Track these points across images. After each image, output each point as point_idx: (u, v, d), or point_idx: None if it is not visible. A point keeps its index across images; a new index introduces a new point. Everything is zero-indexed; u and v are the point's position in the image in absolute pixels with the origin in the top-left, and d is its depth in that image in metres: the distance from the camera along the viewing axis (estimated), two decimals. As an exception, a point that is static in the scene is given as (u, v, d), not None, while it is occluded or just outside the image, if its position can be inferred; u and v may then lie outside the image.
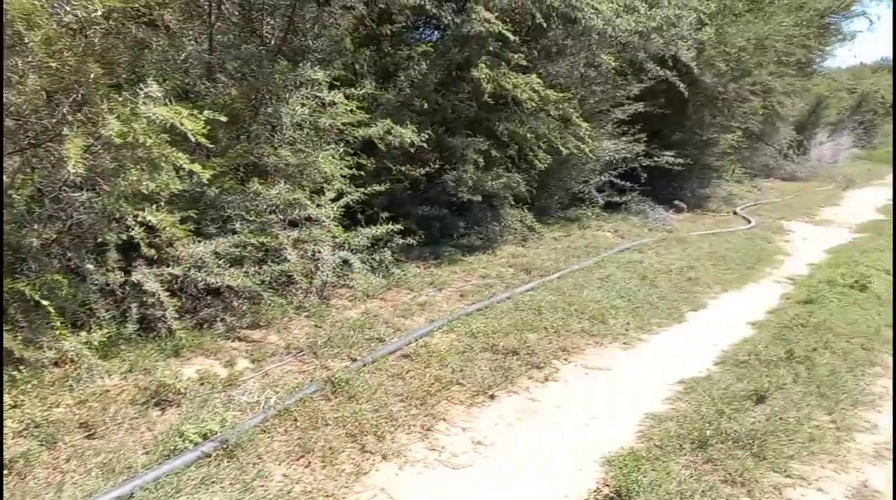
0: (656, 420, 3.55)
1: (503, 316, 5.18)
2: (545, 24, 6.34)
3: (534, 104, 6.67)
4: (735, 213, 12.10)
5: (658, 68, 8.80)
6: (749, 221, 11.02)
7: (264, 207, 4.52)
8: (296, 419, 3.29)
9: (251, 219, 4.41)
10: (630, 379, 4.20)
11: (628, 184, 10.18)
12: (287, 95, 4.59)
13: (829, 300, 5.87)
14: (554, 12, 6.57)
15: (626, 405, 3.78)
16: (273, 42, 5.34)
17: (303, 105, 4.65)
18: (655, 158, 9.76)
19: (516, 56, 6.22)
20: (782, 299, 6.25)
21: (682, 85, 9.03)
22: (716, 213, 12.32)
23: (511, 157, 7.66)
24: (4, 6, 2.78)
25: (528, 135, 7.10)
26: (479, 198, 7.06)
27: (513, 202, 7.94)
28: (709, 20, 9.00)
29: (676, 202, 12.03)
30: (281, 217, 4.70)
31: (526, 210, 8.12)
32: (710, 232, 9.75)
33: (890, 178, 22.86)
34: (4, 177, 3.15)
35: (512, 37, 5.94)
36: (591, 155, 7.80)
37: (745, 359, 4.41)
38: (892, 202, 12.82)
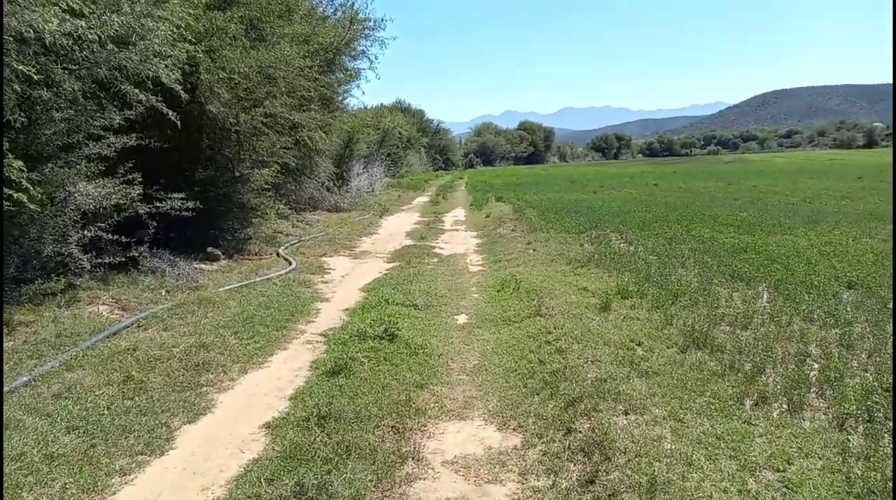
0: None
1: None
2: None
3: None
4: (278, 254, 11.10)
5: (137, 91, 6.87)
6: (290, 263, 10.10)
7: None
8: None
9: None
10: None
11: (135, 236, 7.95)
12: None
13: (359, 363, 4.93)
14: None
15: None
16: None
17: None
18: (158, 203, 7.77)
19: None
20: (311, 370, 5.08)
21: (170, 113, 7.33)
22: (258, 256, 11.10)
23: None
24: None
25: None
26: None
27: None
28: (195, 38, 7.54)
29: (210, 250, 10.32)
30: None
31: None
32: (245, 283, 8.32)
33: (416, 202, 26.32)
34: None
35: None
36: (35, 207, 5.34)
37: (238, 519, 2.85)
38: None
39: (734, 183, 28.61)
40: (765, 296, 6.70)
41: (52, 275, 6.53)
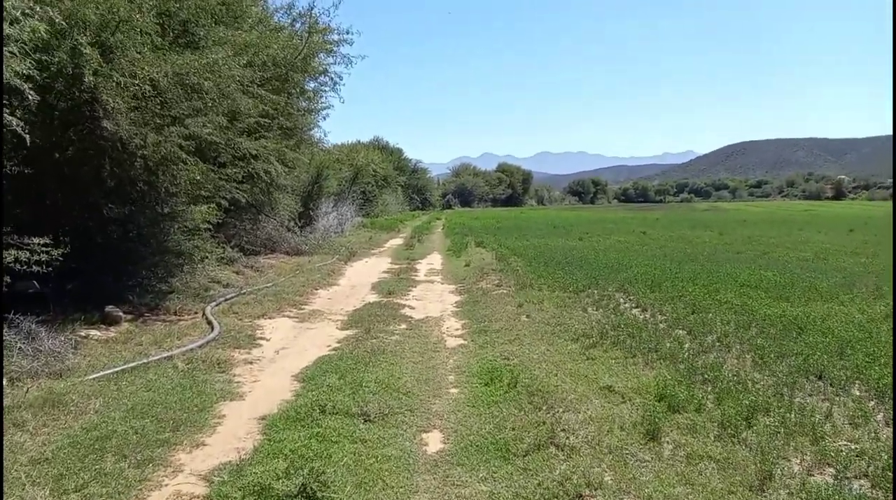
0: None
1: None
2: None
3: None
4: (204, 314, 8.74)
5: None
6: (212, 328, 7.77)
7: None
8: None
9: None
10: None
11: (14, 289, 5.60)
12: None
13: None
14: None
15: None
16: None
17: None
18: None
19: None
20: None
21: (14, 121, 5.07)
22: (177, 316, 8.73)
23: None
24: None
25: None
26: None
27: None
28: (71, 27, 5.39)
29: (109, 309, 7.94)
30: None
31: None
32: (132, 365, 5.96)
33: (389, 245, 24.14)
34: None
35: None
36: None
37: None
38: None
39: (725, 233, 27.04)
40: (880, 415, 4.59)
41: None
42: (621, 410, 4.72)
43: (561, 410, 4.64)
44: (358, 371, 5.95)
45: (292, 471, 3.49)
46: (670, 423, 4.39)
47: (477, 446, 4.24)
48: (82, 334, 7.13)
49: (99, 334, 7.34)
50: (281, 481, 3.40)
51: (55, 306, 8.01)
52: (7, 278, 5.63)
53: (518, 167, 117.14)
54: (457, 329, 8.20)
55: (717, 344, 6.70)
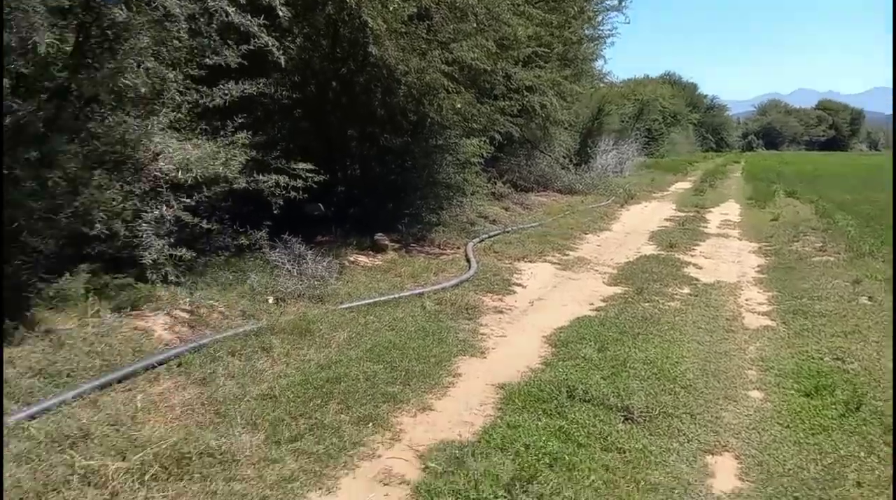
0: None
1: None
2: None
3: None
4: (465, 250, 8.38)
5: (237, 13, 4.53)
6: (470, 266, 7.31)
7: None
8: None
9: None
10: None
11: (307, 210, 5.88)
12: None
13: None
14: None
15: None
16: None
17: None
18: (260, 175, 5.33)
19: None
20: None
21: (275, 46, 4.85)
22: (441, 249, 8.52)
23: None
24: None
25: None
26: None
27: None
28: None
29: (378, 237, 8.02)
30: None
31: None
32: (383, 299, 5.73)
33: (673, 188, 21.66)
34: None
35: None
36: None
37: None
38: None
39: None
40: None
41: (70, 270, 4.57)
42: None
43: (951, 470, 2.88)
44: (623, 345, 4.79)
45: (517, 486, 2.59)
46: None
47: (795, 499, 2.81)
48: (351, 259, 7.27)
49: (366, 260, 7.44)
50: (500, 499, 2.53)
51: (337, 228, 8.46)
52: (278, 202, 5.67)
53: (844, 105, 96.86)
54: (760, 303, 6.36)
55: None
